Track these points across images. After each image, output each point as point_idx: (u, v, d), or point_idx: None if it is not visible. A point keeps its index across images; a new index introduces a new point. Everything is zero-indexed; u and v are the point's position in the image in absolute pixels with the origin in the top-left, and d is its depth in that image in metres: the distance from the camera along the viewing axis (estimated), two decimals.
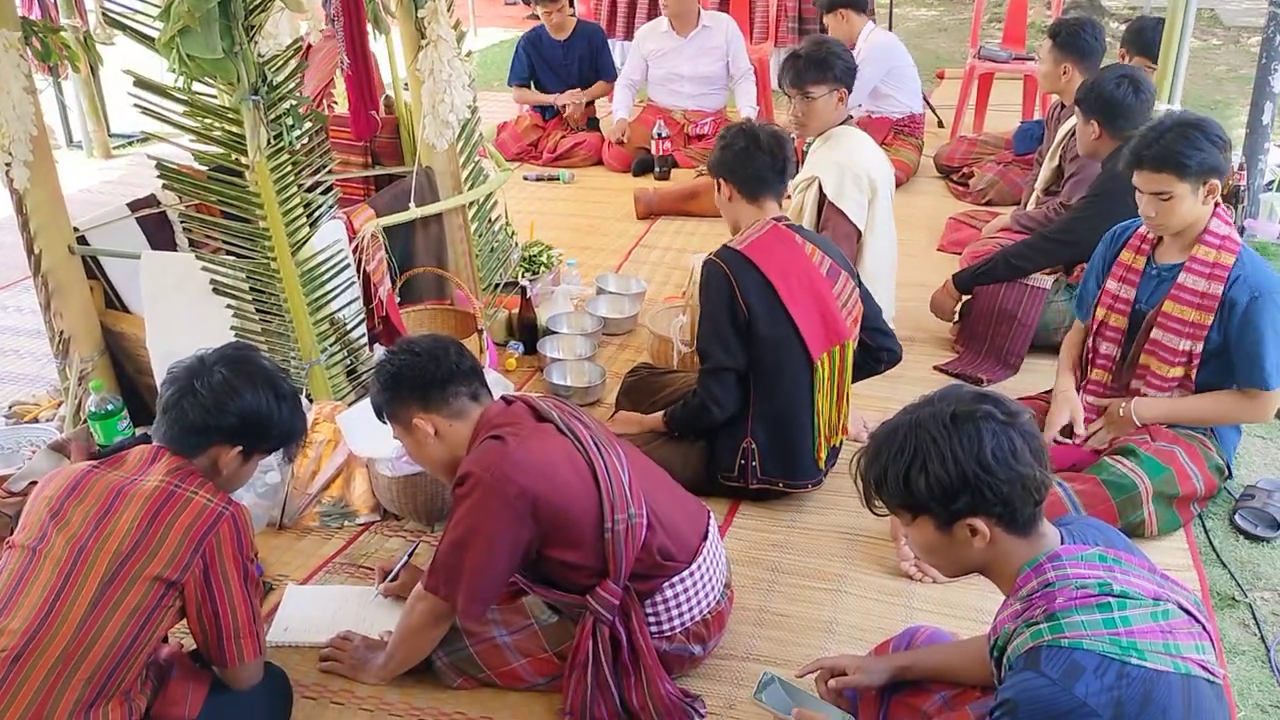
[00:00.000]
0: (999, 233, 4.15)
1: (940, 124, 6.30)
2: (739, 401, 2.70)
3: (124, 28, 2.62)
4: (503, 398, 2.21)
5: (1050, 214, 3.90)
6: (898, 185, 5.13)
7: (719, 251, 2.68)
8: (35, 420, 3.27)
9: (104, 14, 2.71)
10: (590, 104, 6.01)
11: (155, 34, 2.51)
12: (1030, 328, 3.49)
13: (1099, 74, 3.47)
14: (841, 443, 2.85)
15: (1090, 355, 2.88)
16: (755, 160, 2.68)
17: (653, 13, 6.81)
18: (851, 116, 3.57)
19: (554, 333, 3.63)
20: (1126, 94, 3.33)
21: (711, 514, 2.32)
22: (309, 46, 4.77)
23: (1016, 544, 1.54)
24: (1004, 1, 7.39)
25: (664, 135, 5.46)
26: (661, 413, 2.85)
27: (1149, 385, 2.69)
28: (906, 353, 3.64)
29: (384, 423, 2.21)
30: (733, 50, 5.62)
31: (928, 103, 6.34)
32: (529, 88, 6.01)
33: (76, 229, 3.02)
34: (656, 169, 5.49)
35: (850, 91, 3.42)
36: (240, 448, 2.06)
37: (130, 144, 6.33)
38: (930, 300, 3.72)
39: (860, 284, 2.84)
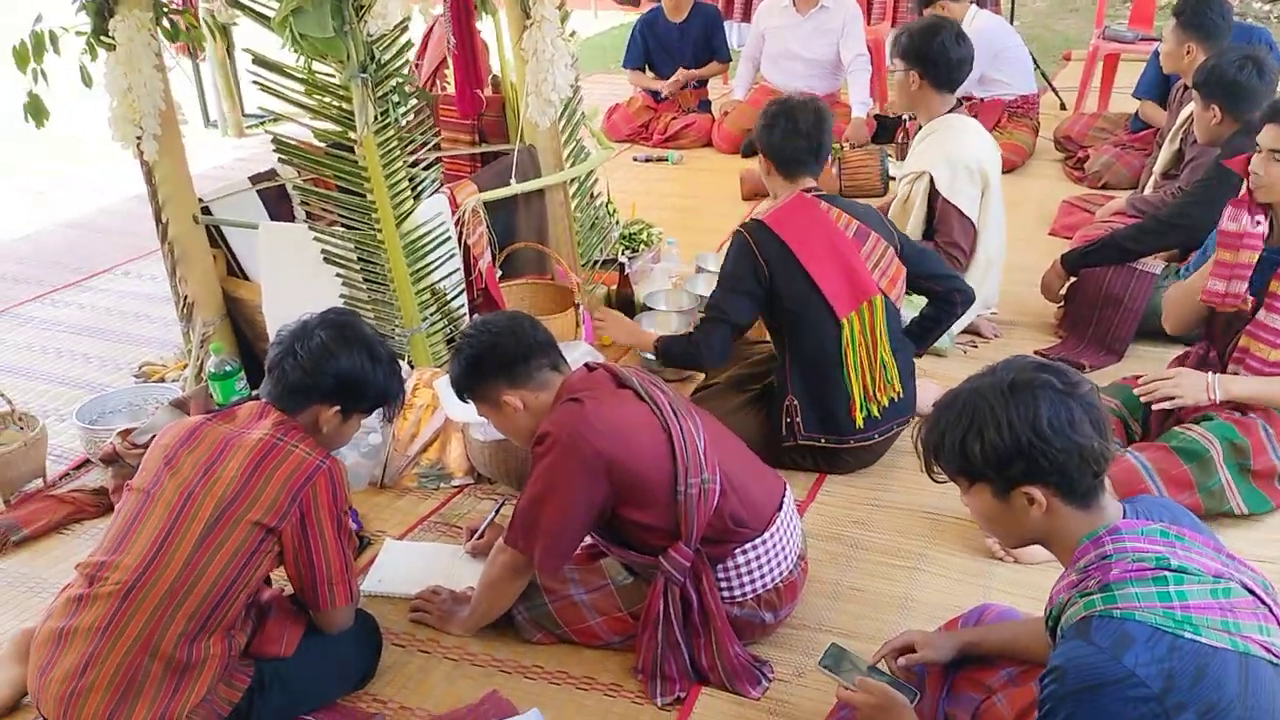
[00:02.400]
0: (1113, 216, 4.05)
1: (1063, 106, 6.14)
2: (725, 356, 2.85)
3: (243, 7, 2.78)
4: (585, 365, 2.28)
5: (1167, 198, 3.79)
6: (1012, 169, 5.11)
7: (745, 222, 2.82)
8: (162, 380, 3.48)
9: None
10: (702, 85, 6.03)
11: (271, 13, 2.66)
12: (1137, 313, 3.39)
13: (1218, 56, 3.35)
14: (893, 401, 2.83)
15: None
16: (792, 143, 2.78)
17: None
18: (961, 103, 3.53)
19: (651, 309, 3.68)
20: (1250, 76, 3.22)
21: (788, 486, 2.35)
22: (429, 30, 4.96)
23: (1075, 515, 1.53)
24: None
25: None
26: (656, 337, 2.99)
27: (1246, 368, 2.60)
28: (1008, 338, 3.63)
29: (465, 402, 2.29)
30: (846, 33, 5.53)
31: (1050, 84, 6.18)
32: (644, 71, 6.08)
33: (201, 200, 3.20)
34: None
35: (924, 76, 3.36)
36: (338, 407, 2.17)
37: (261, 124, 6.61)
38: (1040, 281, 3.65)
39: (908, 244, 2.87)
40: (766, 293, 2.75)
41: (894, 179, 4.39)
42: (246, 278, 3.33)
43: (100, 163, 5.89)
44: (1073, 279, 3.57)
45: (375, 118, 2.75)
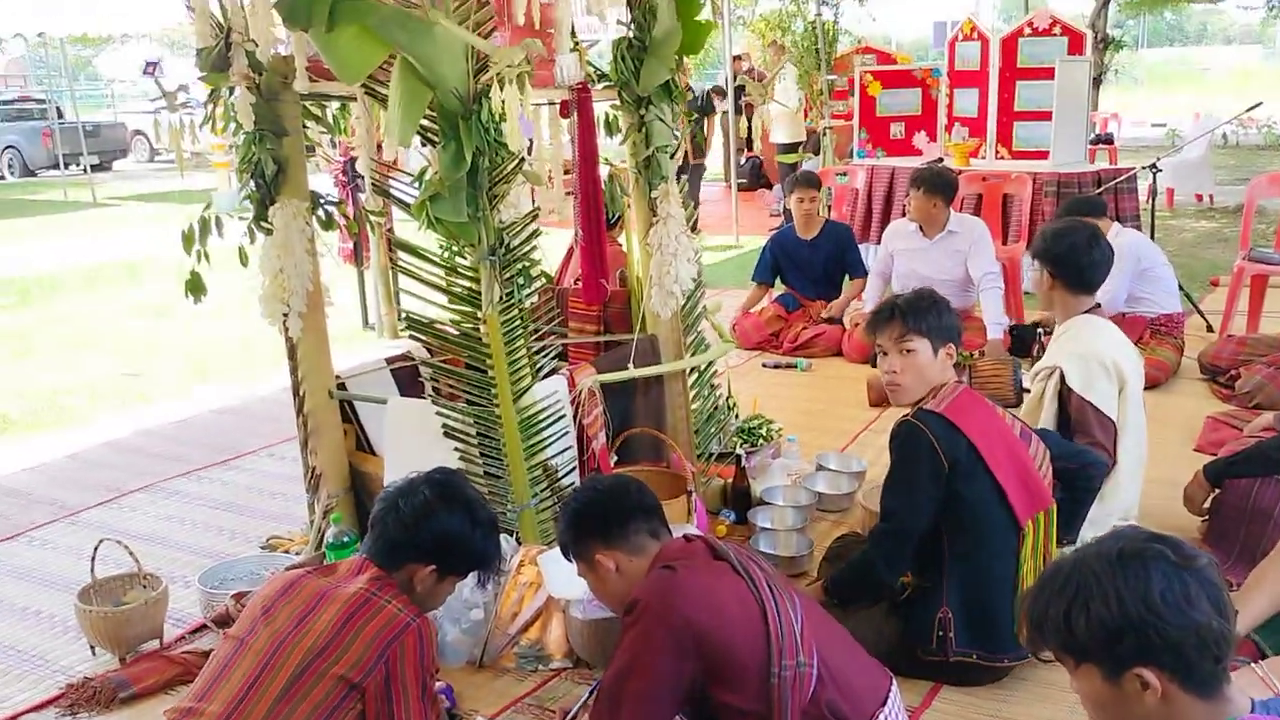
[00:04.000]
0: (1261, 432, 3.84)
1: (1209, 328, 5.96)
2: (906, 569, 2.61)
3: (387, 194, 3.00)
4: (683, 535, 2.24)
5: None
6: (1155, 385, 4.93)
7: (915, 413, 2.65)
8: (286, 552, 3.58)
9: (373, 183, 3.10)
10: (834, 296, 6.13)
11: (413, 200, 2.87)
12: None
13: None
14: None
15: None
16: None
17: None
18: (1098, 305, 3.48)
19: (767, 504, 3.63)
20: None
21: (894, 681, 2.21)
22: (573, 247, 5.24)
23: (1195, 706, 1.39)
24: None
25: None
26: (819, 582, 2.77)
27: None
28: None
29: (569, 560, 2.29)
30: (974, 254, 5.53)
31: (1196, 308, 6.04)
32: (770, 286, 6.27)
33: (338, 376, 3.37)
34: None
35: (1056, 276, 3.32)
36: (434, 566, 2.19)
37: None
38: (1182, 492, 3.46)
39: (1044, 434, 2.73)
40: (944, 495, 2.56)
41: (1027, 391, 4.29)
42: (373, 452, 3.45)
43: (256, 359, 6.31)
44: (1216, 491, 3.37)
45: (500, 298, 2.88)
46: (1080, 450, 2.83)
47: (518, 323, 2.99)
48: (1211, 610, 1.37)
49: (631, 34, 3.34)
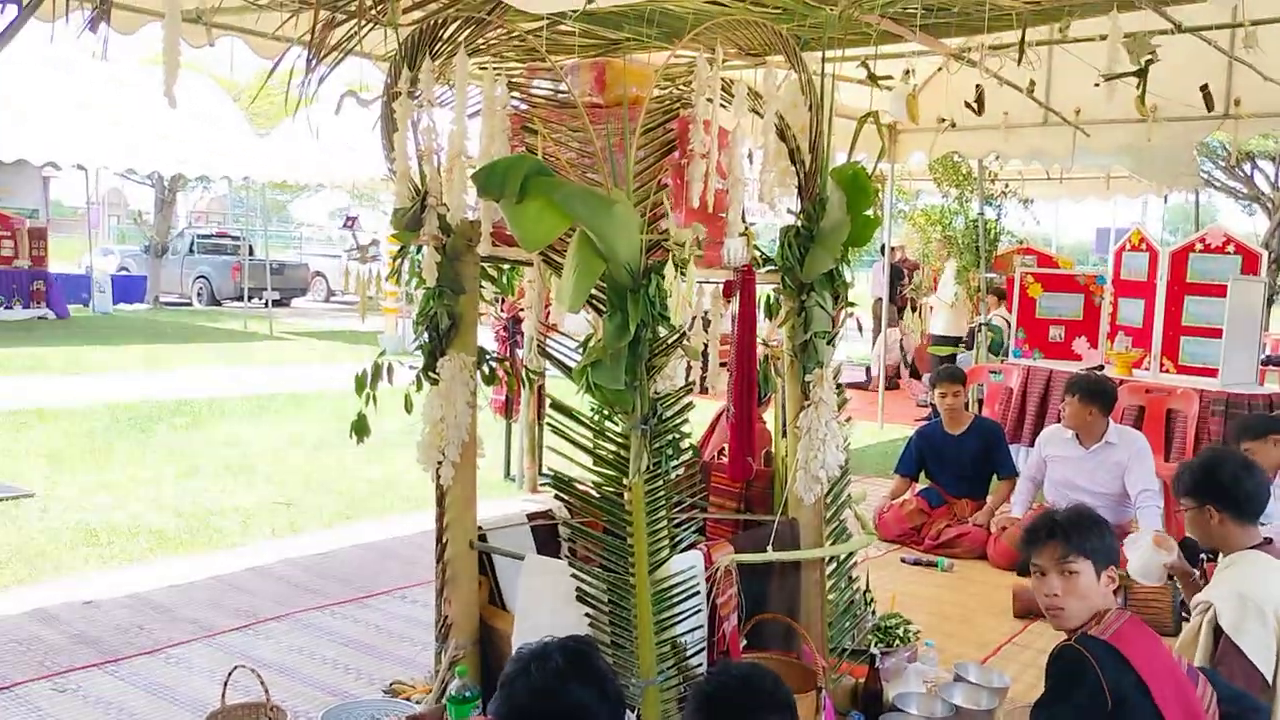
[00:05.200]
0: None
1: None
2: None
3: (550, 357, 3.11)
4: None
5: None
6: None
7: (1080, 638, 2.51)
8: (408, 699, 3.59)
9: (538, 345, 3.22)
10: (982, 497, 5.96)
11: (573, 364, 2.96)
12: None
13: None
14: None
15: None
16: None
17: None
18: (1269, 540, 3.29)
19: (900, 710, 3.47)
20: None
21: None
22: (720, 413, 5.29)
23: None
24: None
25: None
26: None
27: None
28: None
29: None
30: (1132, 468, 5.32)
31: None
32: (914, 480, 6.15)
33: (480, 527, 3.43)
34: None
35: (1218, 509, 3.16)
36: None
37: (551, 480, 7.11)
38: None
39: (1208, 674, 2.53)
40: None
41: (1186, 619, 4.04)
42: (505, 608, 3.46)
43: (400, 500, 6.48)
44: None
45: (648, 466, 2.92)
46: (1241, 695, 2.63)
47: (661, 493, 3.00)
48: None
49: (800, 223, 3.43)
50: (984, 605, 4.91)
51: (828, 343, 3.46)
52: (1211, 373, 6.93)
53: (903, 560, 5.58)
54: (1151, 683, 2.38)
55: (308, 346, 15.22)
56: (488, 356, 3.37)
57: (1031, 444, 6.95)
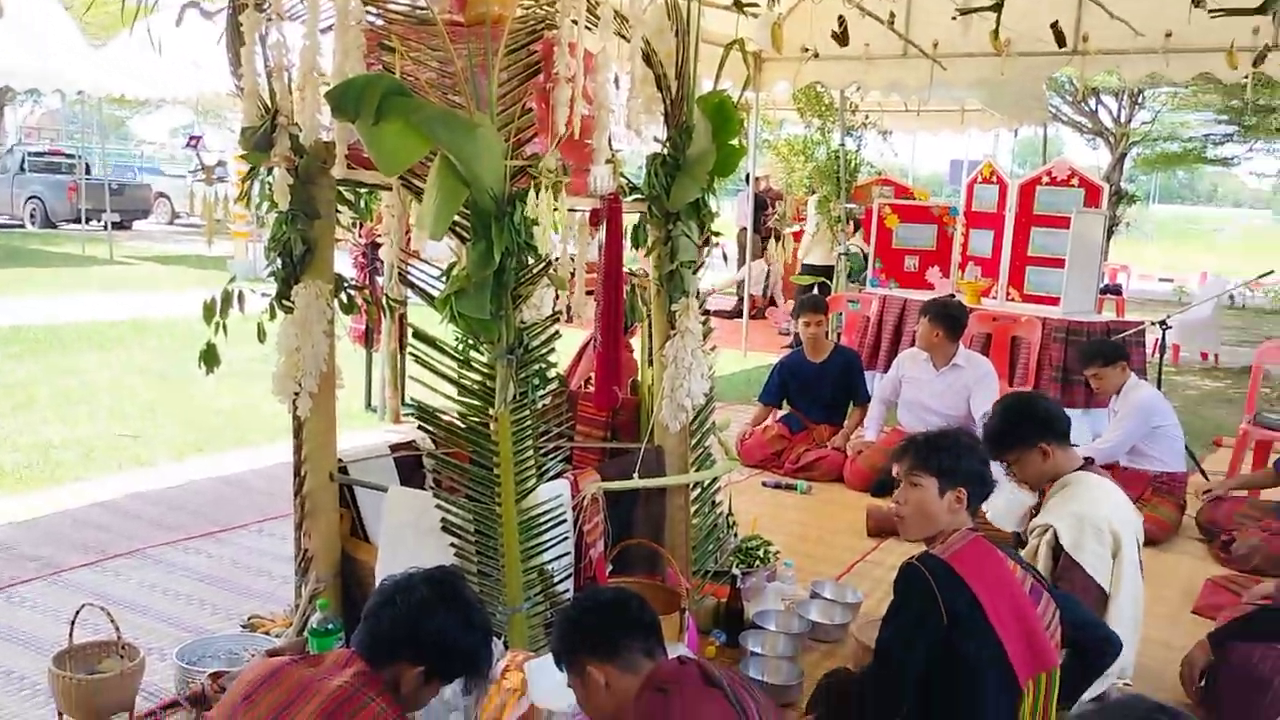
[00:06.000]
0: (1261, 600, 3.79)
1: (1206, 481, 5.95)
2: (898, 714, 2.53)
3: (412, 285, 3.03)
4: (678, 658, 2.20)
5: None
6: (1155, 543, 4.91)
7: (921, 557, 2.61)
8: (267, 633, 3.51)
9: (400, 273, 3.13)
10: (838, 421, 6.14)
11: (437, 294, 2.89)
12: None
13: None
14: None
15: None
16: (986, 470, 2.71)
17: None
18: (1090, 460, 3.46)
19: (759, 628, 3.58)
20: None
21: None
22: (587, 343, 5.27)
23: None
24: None
25: None
26: (809, 717, 2.71)
27: None
28: None
29: (560, 669, 2.25)
30: (977, 391, 5.57)
31: (1199, 467, 6.03)
32: (776, 407, 6.30)
33: (340, 459, 3.35)
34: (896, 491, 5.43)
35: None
36: (423, 668, 2.15)
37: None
38: (1183, 659, 3.40)
39: (1057, 595, 2.68)
40: (940, 643, 2.48)
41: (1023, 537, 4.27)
42: (368, 541, 3.40)
43: (253, 432, 6.29)
44: (1217, 657, 3.32)
45: (514, 397, 2.89)
46: (1099, 624, 2.79)
47: (528, 423, 2.98)
48: None
49: (666, 151, 3.41)
50: (840, 525, 5.08)
51: (694, 272, 3.47)
52: (1054, 301, 7.26)
53: (764, 484, 5.72)
54: (985, 600, 2.48)
55: (151, 272, 14.52)
56: (346, 284, 3.26)
57: (887, 370, 7.19)
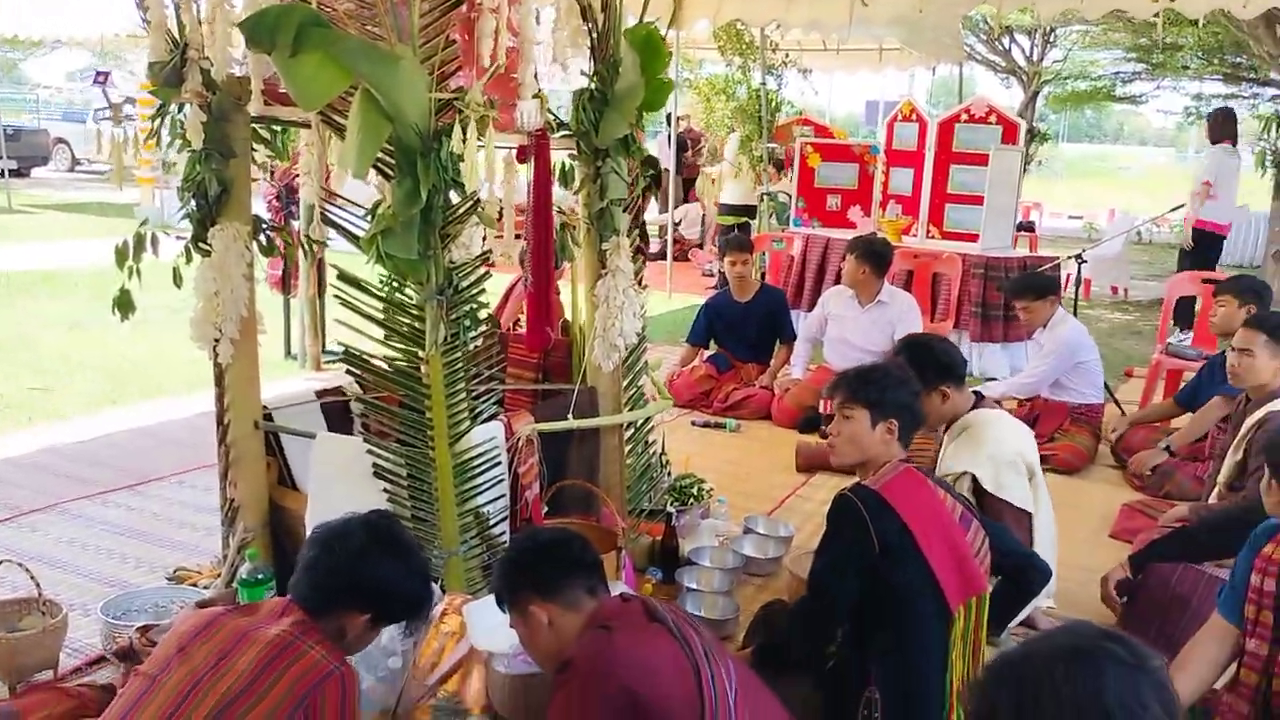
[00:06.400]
0: (1176, 523, 3.93)
1: (1123, 415, 6.13)
2: (830, 642, 2.60)
3: (335, 225, 2.94)
4: (620, 595, 2.20)
5: (1233, 510, 3.69)
6: (1073, 471, 5.06)
7: (853, 488, 2.64)
8: (194, 585, 3.44)
9: (322, 213, 3.04)
10: (766, 360, 6.18)
11: (362, 233, 2.81)
12: (1204, 620, 3.22)
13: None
14: None
15: (1242, 657, 2.59)
16: (919, 403, 2.74)
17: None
18: (982, 395, 3.52)
19: (694, 564, 3.60)
20: None
21: None
22: (515, 283, 5.21)
23: None
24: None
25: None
26: (749, 649, 2.75)
27: None
28: None
29: (502, 609, 2.24)
30: (901, 327, 5.61)
31: (1113, 397, 6.20)
32: (706, 347, 6.33)
33: (265, 407, 3.27)
34: (823, 427, 5.48)
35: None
36: (368, 615, 2.12)
37: (339, 359, 6.88)
38: (1101, 579, 3.51)
39: (987, 523, 2.74)
40: (872, 571, 2.52)
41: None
42: (295, 488, 3.34)
43: (173, 381, 6.11)
44: (1136, 577, 3.43)
45: (445, 339, 2.83)
46: (1028, 553, 2.85)
47: (460, 365, 2.94)
48: (1161, 713, 1.37)
49: (593, 86, 3.34)
50: (770, 462, 5.13)
51: (624, 209, 3.43)
52: (973, 238, 7.37)
53: (693, 423, 5.74)
54: (915, 528, 2.52)
55: (53, 220, 13.95)
56: (264, 225, 3.16)
57: (811, 309, 7.24)
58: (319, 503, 3.11)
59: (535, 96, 3.07)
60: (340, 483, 3.07)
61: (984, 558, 2.65)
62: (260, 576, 3.06)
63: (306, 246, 3.38)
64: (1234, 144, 8.87)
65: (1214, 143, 8.88)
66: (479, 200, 2.86)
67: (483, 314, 2.97)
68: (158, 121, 3.07)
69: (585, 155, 3.39)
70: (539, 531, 2.28)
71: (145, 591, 3.26)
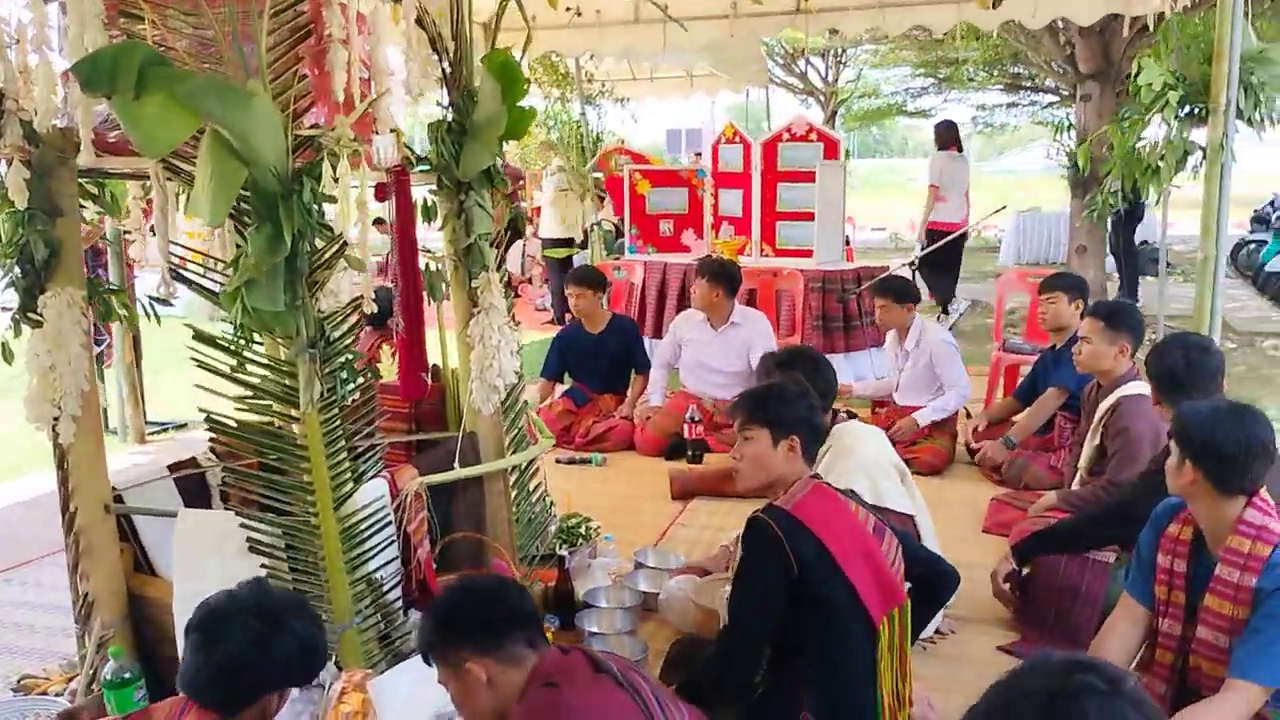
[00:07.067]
0: (1047, 512, 4.05)
1: (968, 415, 6.35)
2: (758, 671, 2.53)
3: (188, 281, 2.70)
4: (559, 646, 2.06)
5: (1099, 492, 3.83)
6: (937, 472, 5.19)
7: (765, 509, 2.58)
8: (45, 694, 3.08)
9: (170, 269, 2.78)
10: (624, 390, 6.11)
11: (218, 289, 2.58)
12: (1097, 604, 3.32)
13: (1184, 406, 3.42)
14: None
15: (1155, 638, 2.66)
16: (818, 417, 2.73)
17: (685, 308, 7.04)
18: (838, 413, 3.57)
19: (592, 606, 3.47)
20: None
21: None
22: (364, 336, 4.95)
23: None
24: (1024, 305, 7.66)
25: (697, 419, 5.47)
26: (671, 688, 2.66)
27: (1205, 687, 2.41)
28: (963, 634, 3.49)
29: (430, 665, 2.07)
30: (755, 346, 5.65)
31: None
32: (559, 381, 6.21)
33: (114, 488, 2.96)
34: (690, 453, 5.46)
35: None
36: (276, 695, 1.96)
37: (165, 430, 6.41)
38: (990, 574, 3.57)
39: (898, 532, 2.74)
40: (793, 593, 2.46)
41: None
42: (155, 574, 3.04)
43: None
44: (1025, 570, 3.51)
45: (322, 394, 2.62)
46: (936, 558, 2.86)
47: (338, 422, 2.72)
48: None
49: (450, 118, 3.20)
50: (644, 492, 5.04)
51: (491, 244, 3.29)
52: (806, 253, 7.53)
53: (558, 461, 5.59)
54: (832, 545, 2.49)
55: None
56: (101, 289, 2.87)
57: (658, 335, 7.23)
58: (187, 586, 2.82)
59: (393, 130, 2.91)
60: (209, 563, 2.79)
61: (899, 567, 2.64)
62: (127, 675, 2.78)
63: (151, 311, 3.09)
64: (959, 150, 9.62)
65: (941, 149, 9.55)
66: (345, 243, 2.68)
67: (359, 365, 2.77)
68: None
69: (448, 189, 3.24)
70: (473, 580, 2.12)
71: None
